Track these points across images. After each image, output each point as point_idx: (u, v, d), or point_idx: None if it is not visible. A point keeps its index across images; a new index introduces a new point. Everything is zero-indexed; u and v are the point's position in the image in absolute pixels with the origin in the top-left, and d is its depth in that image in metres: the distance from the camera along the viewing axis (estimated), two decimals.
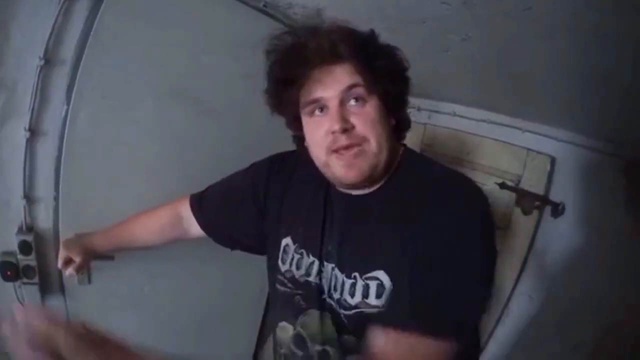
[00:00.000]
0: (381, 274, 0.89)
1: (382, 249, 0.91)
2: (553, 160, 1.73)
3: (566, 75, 1.37)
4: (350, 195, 0.99)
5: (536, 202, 1.74)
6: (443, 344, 0.78)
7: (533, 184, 1.75)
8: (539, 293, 1.77)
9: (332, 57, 0.88)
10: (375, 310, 0.90)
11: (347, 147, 0.89)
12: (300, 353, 1.04)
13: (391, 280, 0.88)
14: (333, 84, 0.89)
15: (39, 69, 1.26)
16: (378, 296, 0.89)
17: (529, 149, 1.77)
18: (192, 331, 1.80)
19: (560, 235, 1.73)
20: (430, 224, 0.84)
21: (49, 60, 1.26)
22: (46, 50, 1.25)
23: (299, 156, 1.11)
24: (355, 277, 0.93)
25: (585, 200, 1.68)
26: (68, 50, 1.30)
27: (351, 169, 0.89)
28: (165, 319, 1.72)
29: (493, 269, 0.86)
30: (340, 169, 0.91)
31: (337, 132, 0.88)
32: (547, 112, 1.69)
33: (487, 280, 0.86)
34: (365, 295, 0.91)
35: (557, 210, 1.72)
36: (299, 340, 1.04)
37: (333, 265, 0.99)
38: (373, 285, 0.90)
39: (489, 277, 0.86)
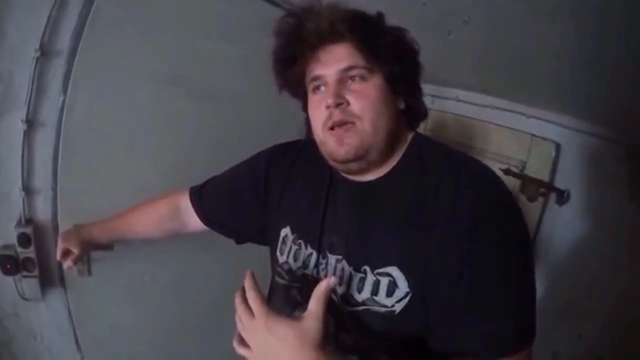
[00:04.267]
0: (394, 271, 0.84)
1: (397, 242, 0.86)
2: (558, 147, 1.71)
3: (570, 60, 1.35)
4: (357, 181, 0.95)
5: (541, 189, 1.71)
6: (530, 348, 0.79)
7: (538, 170, 1.73)
8: (543, 281, 1.75)
9: (331, 37, 0.88)
10: (383, 309, 0.85)
11: (340, 124, 0.87)
12: None
13: (407, 279, 0.83)
14: (332, 63, 0.88)
15: (35, 60, 1.25)
16: (389, 294, 0.85)
17: (533, 135, 1.75)
18: (194, 321, 1.79)
19: (565, 223, 1.71)
20: (457, 223, 0.80)
21: (45, 52, 1.25)
22: (42, 42, 1.24)
23: (303, 145, 1.11)
24: (365, 271, 0.88)
25: (590, 187, 1.66)
26: (64, 40, 1.29)
27: (341, 144, 0.88)
28: (166, 308, 1.71)
29: (532, 254, 0.84)
30: (332, 144, 0.89)
31: (331, 107, 0.87)
32: (551, 98, 1.67)
33: (532, 268, 0.83)
34: (375, 292, 0.86)
35: (562, 197, 1.70)
36: None
37: (339, 257, 0.94)
38: (384, 282, 0.85)
39: (532, 265, 0.83)
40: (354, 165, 0.91)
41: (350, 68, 0.88)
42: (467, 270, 0.78)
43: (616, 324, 1.55)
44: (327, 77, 0.89)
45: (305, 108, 1.01)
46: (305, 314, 0.75)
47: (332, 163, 0.95)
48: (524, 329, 0.79)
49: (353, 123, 0.87)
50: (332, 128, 0.88)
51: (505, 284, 0.78)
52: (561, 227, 1.72)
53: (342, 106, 0.87)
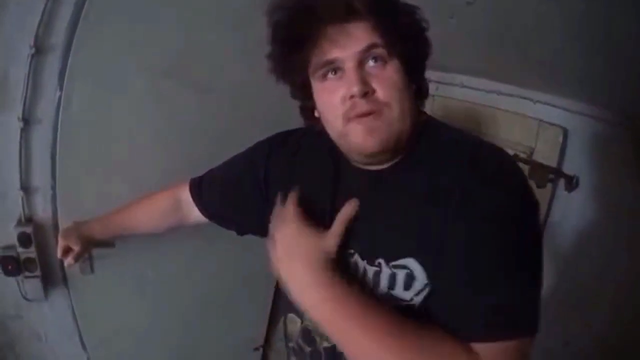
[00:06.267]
0: (411, 262, 0.79)
1: (412, 233, 0.80)
2: (565, 132, 1.67)
3: (577, 43, 1.32)
4: (369, 170, 0.90)
5: (550, 175, 1.68)
6: (529, 338, 0.74)
7: (546, 156, 1.70)
8: (554, 270, 1.72)
9: (346, 13, 0.78)
10: (402, 303, 0.81)
11: (367, 114, 0.80)
12: (308, 349, 0.98)
13: (425, 271, 0.78)
14: (349, 43, 0.79)
15: (30, 57, 1.23)
16: (406, 288, 0.80)
17: (540, 120, 1.71)
18: (199, 315, 1.78)
19: (574, 209, 1.68)
20: (474, 209, 0.75)
21: (39, 48, 1.24)
22: (36, 38, 1.23)
23: (304, 132, 1.05)
24: (379, 265, 0.83)
25: (599, 173, 1.63)
26: (59, 35, 1.27)
27: (371, 136, 0.80)
28: (171, 304, 1.70)
29: (542, 243, 0.78)
30: (359, 136, 0.81)
31: (356, 96, 0.79)
32: (558, 82, 1.64)
33: (540, 256, 0.78)
34: (392, 286, 0.82)
35: (571, 183, 1.67)
36: (306, 334, 0.97)
37: (350, 250, 0.89)
38: (401, 275, 0.80)
39: (540, 252, 0.78)
40: (381, 157, 0.85)
41: (370, 47, 0.79)
42: (473, 254, 0.75)
43: (628, 310, 1.52)
44: (344, 61, 0.80)
45: (298, 93, 0.92)
46: (328, 232, 0.84)
47: (356, 157, 0.88)
48: (522, 316, 0.74)
49: (380, 111, 0.80)
50: (355, 118, 0.81)
51: (510, 272, 0.74)
52: (571, 213, 1.69)
53: (368, 95, 0.79)
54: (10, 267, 1.32)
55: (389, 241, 0.84)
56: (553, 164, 1.69)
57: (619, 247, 1.53)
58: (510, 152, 1.70)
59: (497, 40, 1.47)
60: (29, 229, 1.32)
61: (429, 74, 0.95)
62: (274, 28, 0.83)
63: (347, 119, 0.81)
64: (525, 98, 1.74)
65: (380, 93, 0.80)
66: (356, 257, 0.88)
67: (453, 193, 0.77)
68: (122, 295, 1.58)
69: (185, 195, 1.23)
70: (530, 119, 1.73)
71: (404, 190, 0.85)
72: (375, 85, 0.80)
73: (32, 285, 1.37)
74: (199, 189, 1.21)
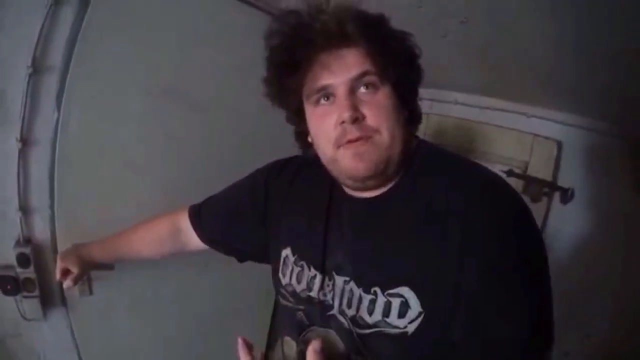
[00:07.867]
0: (406, 291, 0.80)
1: (408, 261, 0.81)
2: (560, 145, 1.70)
3: (569, 56, 1.34)
4: (363, 198, 0.90)
5: (544, 189, 1.70)
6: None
7: (540, 170, 1.71)
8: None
9: (339, 39, 0.80)
10: (396, 331, 0.81)
11: (357, 140, 0.81)
12: None
13: (419, 299, 0.79)
14: (341, 70, 0.81)
15: (27, 77, 1.23)
16: (400, 316, 0.80)
17: (535, 134, 1.73)
18: (197, 337, 1.77)
19: (570, 221, 1.69)
20: (470, 239, 0.76)
21: (37, 68, 1.24)
22: (34, 58, 1.23)
23: (302, 160, 1.06)
24: (375, 293, 0.84)
25: (593, 184, 1.65)
26: (56, 56, 1.27)
27: (360, 160, 0.81)
28: (169, 325, 1.69)
29: (547, 267, 0.79)
30: (349, 161, 0.82)
31: (347, 122, 0.80)
32: (551, 96, 1.66)
33: (548, 282, 0.79)
34: (386, 313, 0.82)
35: (566, 196, 1.69)
36: (302, 359, 0.96)
37: (346, 278, 0.89)
38: (396, 303, 0.81)
39: (547, 279, 0.79)
40: (371, 182, 0.86)
41: (362, 75, 0.81)
42: (479, 288, 0.75)
43: (625, 321, 1.53)
44: (336, 87, 0.82)
45: (293, 118, 0.94)
46: None
47: (346, 181, 0.89)
48: (537, 343, 0.76)
49: (370, 137, 0.81)
50: (345, 144, 0.82)
51: (519, 301, 0.75)
52: (566, 225, 1.71)
53: (358, 121, 0.81)
54: (9, 286, 1.30)
55: (384, 270, 0.84)
56: (548, 177, 1.70)
57: (615, 258, 1.54)
58: (505, 167, 1.73)
59: (490, 56, 1.49)
60: (27, 250, 1.31)
61: (423, 93, 0.96)
62: (269, 52, 0.85)
63: (338, 145, 0.83)
64: (519, 113, 1.76)
65: (371, 119, 0.81)
66: (352, 284, 0.88)
67: (448, 223, 0.78)
68: (120, 316, 1.56)
69: (185, 222, 1.23)
70: (525, 133, 1.76)
71: (398, 218, 0.85)
72: (365, 111, 0.81)
73: (31, 305, 1.35)
74: (198, 216, 1.21)
